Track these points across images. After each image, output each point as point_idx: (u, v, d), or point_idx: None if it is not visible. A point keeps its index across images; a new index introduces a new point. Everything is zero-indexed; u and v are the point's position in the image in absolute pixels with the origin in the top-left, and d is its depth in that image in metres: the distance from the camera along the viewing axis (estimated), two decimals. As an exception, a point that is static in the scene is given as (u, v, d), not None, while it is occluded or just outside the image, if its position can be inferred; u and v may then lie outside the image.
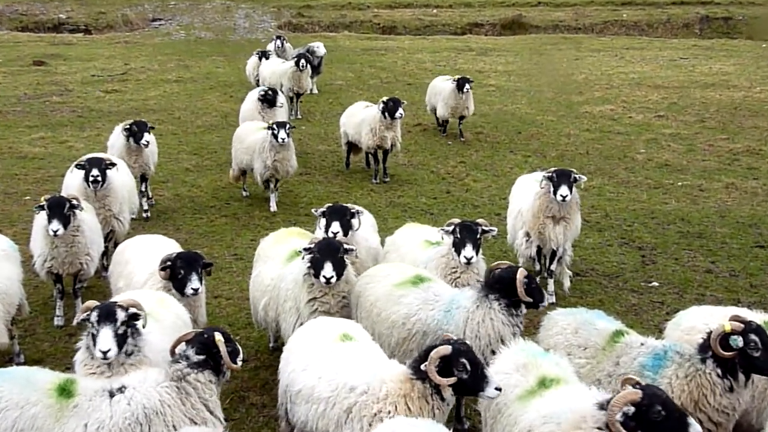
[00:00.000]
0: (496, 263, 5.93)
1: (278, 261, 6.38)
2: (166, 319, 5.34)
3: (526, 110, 17.94)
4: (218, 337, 4.45)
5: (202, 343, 4.46)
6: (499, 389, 4.20)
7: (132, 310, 4.71)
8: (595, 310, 5.53)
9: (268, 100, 12.90)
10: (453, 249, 6.29)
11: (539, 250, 8.19)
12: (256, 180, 11.49)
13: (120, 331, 4.62)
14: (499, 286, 5.38)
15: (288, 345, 5.09)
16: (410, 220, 9.46)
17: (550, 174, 7.76)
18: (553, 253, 8.15)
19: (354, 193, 12.25)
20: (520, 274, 5.42)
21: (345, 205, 6.94)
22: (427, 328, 5.49)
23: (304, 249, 5.76)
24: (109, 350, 4.52)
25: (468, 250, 6.11)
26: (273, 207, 11.35)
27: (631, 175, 13.23)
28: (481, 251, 6.43)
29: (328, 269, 5.58)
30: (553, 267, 8.29)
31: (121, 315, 4.65)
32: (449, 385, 4.19)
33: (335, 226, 6.61)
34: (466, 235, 6.17)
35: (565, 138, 15.59)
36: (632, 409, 3.74)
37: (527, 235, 8.16)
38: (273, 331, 6.78)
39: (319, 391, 4.48)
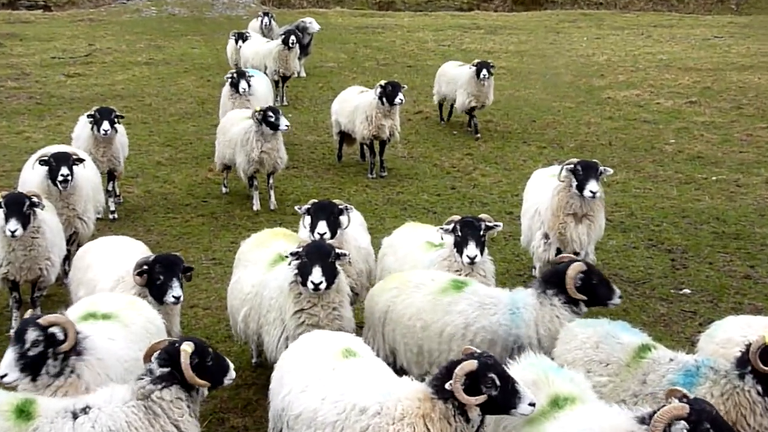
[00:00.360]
0: (560, 256, 6.09)
1: (260, 266, 6.37)
2: (135, 324, 5.31)
3: (541, 96, 17.99)
4: (185, 347, 4.38)
5: (168, 353, 4.37)
6: (533, 405, 4.14)
7: (52, 330, 4.61)
8: (619, 321, 5.52)
9: (233, 84, 12.84)
10: (454, 249, 6.30)
11: (558, 253, 8.16)
12: (240, 176, 11.49)
13: (31, 353, 4.54)
14: (554, 280, 5.55)
15: (281, 364, 5.04)
16: (410, 219, 9.46)
17: (572, 166, 7.70)
18: (575, 255, 8.15)
19: (347, 189, 12.27)
20: (573, 268, 5.55)
21: (332, 201, 6.94)
22: (494, 336, 5.55)
23: (291, 254, 5.75)
24: (5, 375, 4.49)
25: (471, 249, 6.12)
26: (256, 205, 11.35)
27: (659, 169, 13.29)
28: (487, 252, 6.46)
29: (316, 274, 5.56)
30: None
31: (31, 335, 4.56)
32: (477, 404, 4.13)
33: (322, 227, 6.60)
34: (468, 232, 6.18)
35: (584, 127, 15.64)
36: (682, 425, 3.76)
37: (545, 236, 8.16)
38: (255, 345, 6.82)
39: (324, 415, 4.38)
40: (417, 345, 5.62)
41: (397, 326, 5.79)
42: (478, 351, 4.41)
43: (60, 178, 8.34)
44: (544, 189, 8.38)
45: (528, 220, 8.65)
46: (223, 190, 12.09)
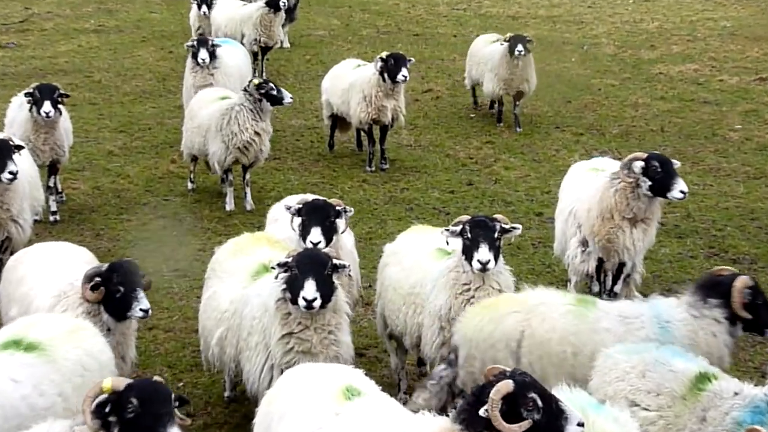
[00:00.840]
0: (718, 268, 6.14)
1: (241, 278, 6.44)
2: (67, 359, 5.21)
3: (577, 71, 18.04)
4: (106, 383, 4.31)
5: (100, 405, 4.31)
6: (581, 425, 4.14)
7: None
8: (669, 345, 5.53)
9: (194, 54, 12.83)
10: (463, 255, 6.35)
11: (600, 264, 8.22)
12: (214, 168, 11.51)
13: None
14: (717, 291, 5.67)
15: (267, 409, 4.97)
16: (417, 222, 9.45)
17: (646, 162, 7.54)
18: (620, 268, 8.16)
19: (340, 184, 12.30)
20: (741, 281, 5.69)
21: (327, 201, 6.95)
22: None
23: (278, 264, 5.79)
24: None
25: (483, 252, 6.13)
26: (229, 205, 11.40)
27: (722, 161, 13.32)
28: (503, 261, 6.50)
29: (309, 289, 5.60)
30: (617, 288, 8.37)
31: None
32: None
33: (316, 234, 6.64)
34: (479, 233, 6.22)
35: (631, 109, 15.68)
36: None
37: (583, 243, 8.20)
38: (231, 376, 6.83)
39: None
40: (568, 373, 5.58)
41: (544, 355, 5.81)
42: (507, 368, 4.41)
43: (7, 175, 8.32)
44: (584, 186, 8.39)
45: (562, 223, 8.65)
46: (190, 186, 12.15)
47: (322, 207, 6.74)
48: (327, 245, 6.55)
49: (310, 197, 7.27)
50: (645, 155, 7.78)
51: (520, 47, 13.87)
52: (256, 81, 11.12)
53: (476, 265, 6.20)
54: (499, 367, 4.52)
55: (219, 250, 7.02)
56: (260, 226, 10.29)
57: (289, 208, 7.04)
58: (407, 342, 6.95)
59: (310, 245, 6.40)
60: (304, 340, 5.76)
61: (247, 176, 11.43)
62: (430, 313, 6.50)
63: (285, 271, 5.77)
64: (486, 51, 14.77)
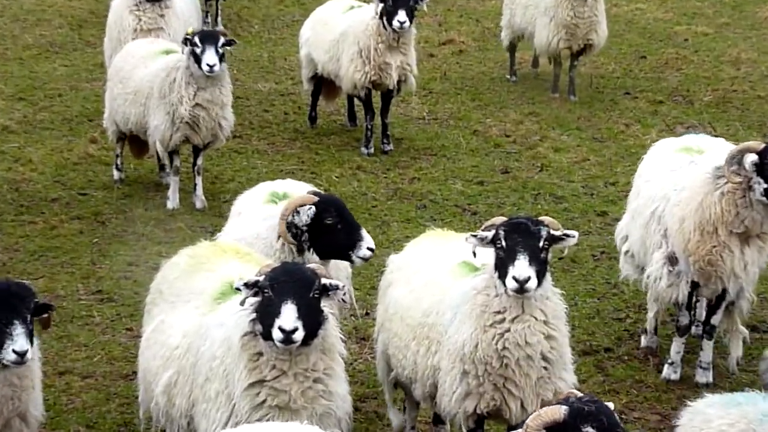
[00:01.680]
0: None
1: (198, 302, 6.50)
2: None
3: (655, 14, 18.13)
4: None
5: None
6: None
7: None
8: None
9: None
10: (495, 271, 6.39)
11: (694, 287, 8.16)
12: (157, 148, 11.52)
13: None
14: None
15: None
16: (433, 225, 9.50)
17: (764, 154, 7.37)
18: (720, 296, 8.16)
19: (326, 173, 12.36)
20: None
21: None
22: None
23: (245, 285, 5.81)
24: None
25: (520, 267, 6.15)
26: (173, 201, 11.48)
27: None
28: (550, 280, 6.49)
29: (288, 317, 5.62)
30: (715, 321, 8.39)
31: None
32: None
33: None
34: (517, 241, 6.25)
35: (729, 67, 15.74)
36: None
37: (672, 260, 8.16)
38: (180, 436, 6.88)
39: None
40: None
41: None
42: (580, 393, 4.63)
43: None
44: (673, 176, 8.25)
45: (639, 229, 8.48)
46: (116, 175, 12.19)
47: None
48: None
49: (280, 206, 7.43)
50: (761, 145, 7.51)
51: None
52: (190, 30, 11.16)
53: (511, 285, 6.18)
54: (573, 391, 4.83)
55: (167, 266, 7.05)
56: (215, 231, 10.32)
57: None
58: (418, 392, 6.94)
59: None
60: (280, 390, 5.75)
61: (199, 162, 11.50)
62: (450, 351, 6.50)
63: (255, 294, 5.80)
64: None
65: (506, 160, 12.73)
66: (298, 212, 7.18)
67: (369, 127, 12.90)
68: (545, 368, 6.35)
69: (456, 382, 6.49)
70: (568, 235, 6.45)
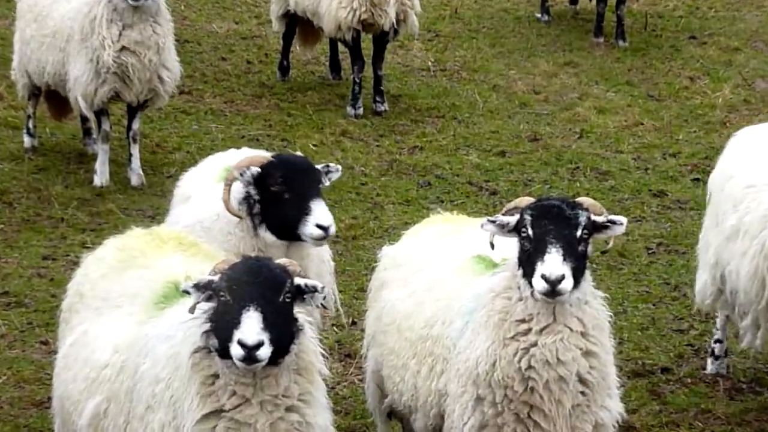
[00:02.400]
0: None
1: (134, 308, 6.49)
2: None
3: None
4: None
5: None
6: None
7: None
8: None
9: None
10: (519, 268, 6.46)
11: None
12: (80, 105, 11.52)
13: None
14: None
15: None
16: (439, 207, 9.59)
17: None
18: None
19: (301, 139, 12.45)
20: None
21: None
22: None
23: (195, 286, 5.84)
24: None
25: (552, 264, 6.18)
26: (101, 177, 11.53)
27: None
28: (591, 281, 6.53)
29: (250, 326, 5.64)
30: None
31: None
32: None
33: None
34: (548, 229, 6.30)
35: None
36: None
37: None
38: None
39: None
40: None
41: None
42: None
43: None
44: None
45: (721, 238, 8.58)
46: (27, 142, 12.28)
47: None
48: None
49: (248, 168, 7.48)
50: None
51: None
52: None
53: (540, 286, 6.19)
54: None
55: (89, 261, 7.05)
56: (157, 216, 10.41)
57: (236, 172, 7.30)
58: (420, 424, 6.96)
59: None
60: (243, 423, 5.75)
61: (135, 126, 11.58)
62: (460, 372, 6.52)
63: (208, 298, 5.82)
64: None
65: (535, 124, 12.83)
66: (242, 175, 7.50)
67: (357, 80, 12.96)
68: (583, 393, 6.32)
69: (468, 412, 6.49)
70: (614, 222, 6.46)
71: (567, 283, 6.21)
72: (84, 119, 11.89)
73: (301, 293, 5.89)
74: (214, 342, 5.76)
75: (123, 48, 11.10)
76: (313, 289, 5.91)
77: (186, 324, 5.93)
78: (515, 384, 6.28)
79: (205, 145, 11.88)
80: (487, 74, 13.89)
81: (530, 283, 6.29)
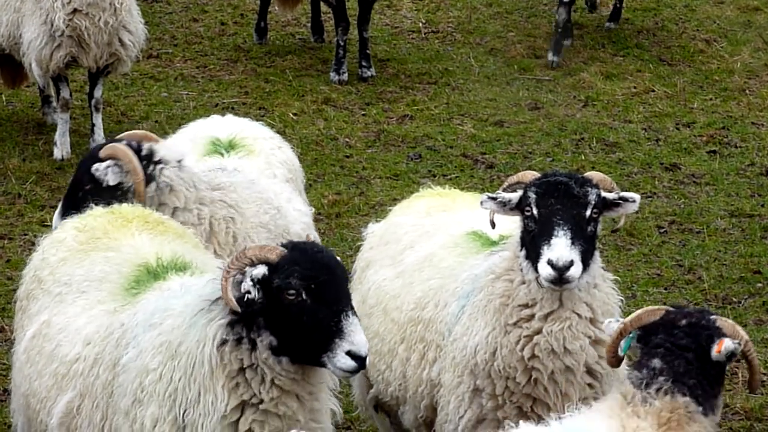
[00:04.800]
0: None
1: (99, 295, 6.53)
2: None
3: None
4: None
5: None
6: None
7: None
8: None
9: None
10: (521, 249, 6.49)
11: None
12: (33, 73, 11.56)
13: None
14: None
15: None
16: (431, 181, 9.50)
17: None
18: None
19: (280, 108, 12.43)
20: None
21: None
22: None
23: (252, 281, 5.85)
24: None
25: (560, 248, 6.25)
26: (61, 149, 11.45)
27: None
28: (600, 263, 6.56)
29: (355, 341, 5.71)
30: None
31: None
32: None
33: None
34: (555, 209, 6.36)
35: None
36: None
37: None
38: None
39: None
40: None
41: None
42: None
43: None
44: None
45: None
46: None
47: None
48: None
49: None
50: None
51: None
52: None
53: (546, 272, 6.22)
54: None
55: (47, 243, 7.03)
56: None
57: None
58: (408, 417, 7.01)
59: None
60: (274, 414, 5.87)
61: (97, 93, 11.54)
62: (456, 360, 6.55)
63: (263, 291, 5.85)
64: None
65: (536, 92, 12.79)
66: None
67: (341, 43, 12.92)
68: (590, 386, 6.33)
69: (464, 404, 6.51)
70: (626, 199, 6.47)
71: (575, 269, 6.23)
72: (41, 86, 11.81)
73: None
74: (272, 339, 5.95)
75: (75, 10, 11.07)
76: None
77: (203, 315, 6.03)
78: (517, 375, 6.29)
79: (175, 114, 11.85)
80: (483, 36, 13.87)
81: (536, 268, 6.30)
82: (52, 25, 11.11)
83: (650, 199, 10.62)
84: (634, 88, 12.81)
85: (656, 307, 5.63)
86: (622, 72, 13.16)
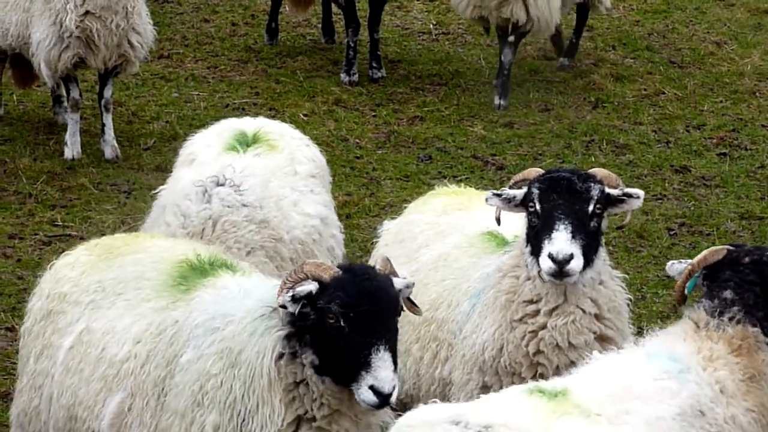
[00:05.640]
0: None
1: (142, 294, 6.56)
2: None
3: None
4: None
5: None
6: None
7: None
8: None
9: None
10: (526, 245, 6.51)
11: None
12: (43, 74, 11.57)
13: None
14: None
15: None
16: (441, 183, 9.51)
17: None
18: None
19: (290, 108, 12.45)
20: None
21: None
22: None
23: (292, 299, 5.87)
24: None
25: (559, 241, 6.29)
26: (72, 150, 11.54)
27: None
28: (607, 259, 6.60)
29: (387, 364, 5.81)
30: None
31: None
32: None
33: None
34: (557, 204, 6.38)
35: None
36: None
37: None
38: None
39: None
40: None
41: None
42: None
43: None
44: None
45: None
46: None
47: None
48: None
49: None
50: None
51: None
52: None
53: (546, 265, 6.30)
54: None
55: (57, 267, 6.94)
56: (133, 191, 10.43)
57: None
58: None
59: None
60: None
61: (107, 93, 11.59)
62: (466, 358, 6.61)
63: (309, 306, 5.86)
64: None
65: (546, 93, 12.84)
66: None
67: (352, 44, 12.97)
68: None
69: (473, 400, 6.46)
70: (630, 195, 6.49)
71: (576, 264, 6.28)
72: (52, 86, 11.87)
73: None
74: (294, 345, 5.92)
75: (87, 12, 11.12)
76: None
77: (262, 323, 6.06)
78: (523, 370, 6.36)
79: (186, 114, 11.90)
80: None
81: (538, 262, 6.36)
82: (61, 25, 11.16)
83: (660, 201, 10.70)
84: (645, 90, 12.83)
85: (719, 247, 6.12)
86: (633, 74, 13.17)
